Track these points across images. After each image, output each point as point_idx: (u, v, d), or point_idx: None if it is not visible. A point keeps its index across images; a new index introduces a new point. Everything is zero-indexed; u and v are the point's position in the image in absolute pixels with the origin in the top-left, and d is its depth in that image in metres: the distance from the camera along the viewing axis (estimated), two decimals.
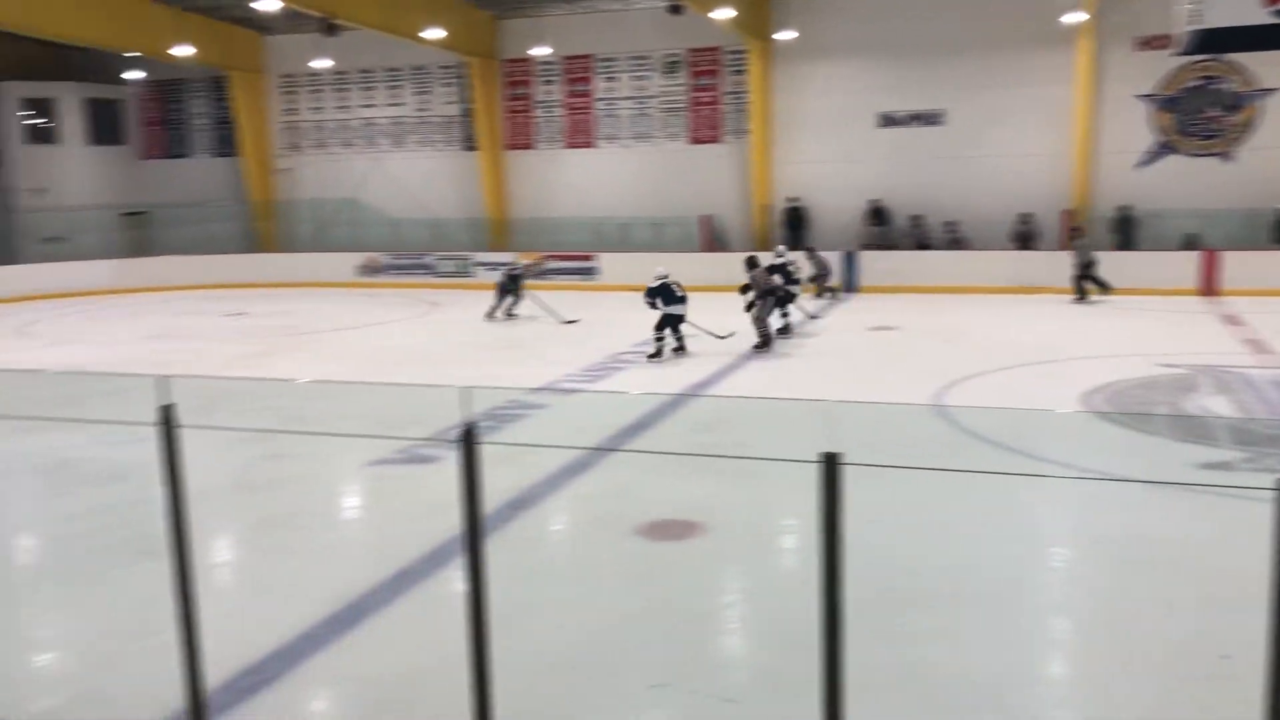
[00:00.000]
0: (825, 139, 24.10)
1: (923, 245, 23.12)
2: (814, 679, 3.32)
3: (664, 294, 14.60)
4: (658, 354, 14.64)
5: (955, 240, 23.04)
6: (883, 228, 23.56)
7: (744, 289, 15.46)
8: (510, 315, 19.20)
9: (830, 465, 3.19)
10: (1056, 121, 22.58)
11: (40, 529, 8.61)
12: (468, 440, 3.39)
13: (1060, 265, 20.67)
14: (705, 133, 25.00)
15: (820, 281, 20.51)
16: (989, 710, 5.01)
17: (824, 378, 13.47)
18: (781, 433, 10.00)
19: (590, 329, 17.57)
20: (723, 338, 15.36)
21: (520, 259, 21.16)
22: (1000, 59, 22.78)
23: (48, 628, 6.53)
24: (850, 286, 22.47)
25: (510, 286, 19.29)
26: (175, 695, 4.62)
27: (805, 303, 18.76)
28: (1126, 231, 22.23)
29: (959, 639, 5.82)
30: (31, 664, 5.97)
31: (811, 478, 3.20)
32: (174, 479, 3.68)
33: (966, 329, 16.58)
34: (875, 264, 22.56)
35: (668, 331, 14.70)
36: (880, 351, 15.46)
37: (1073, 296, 20.09)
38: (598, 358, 15.07)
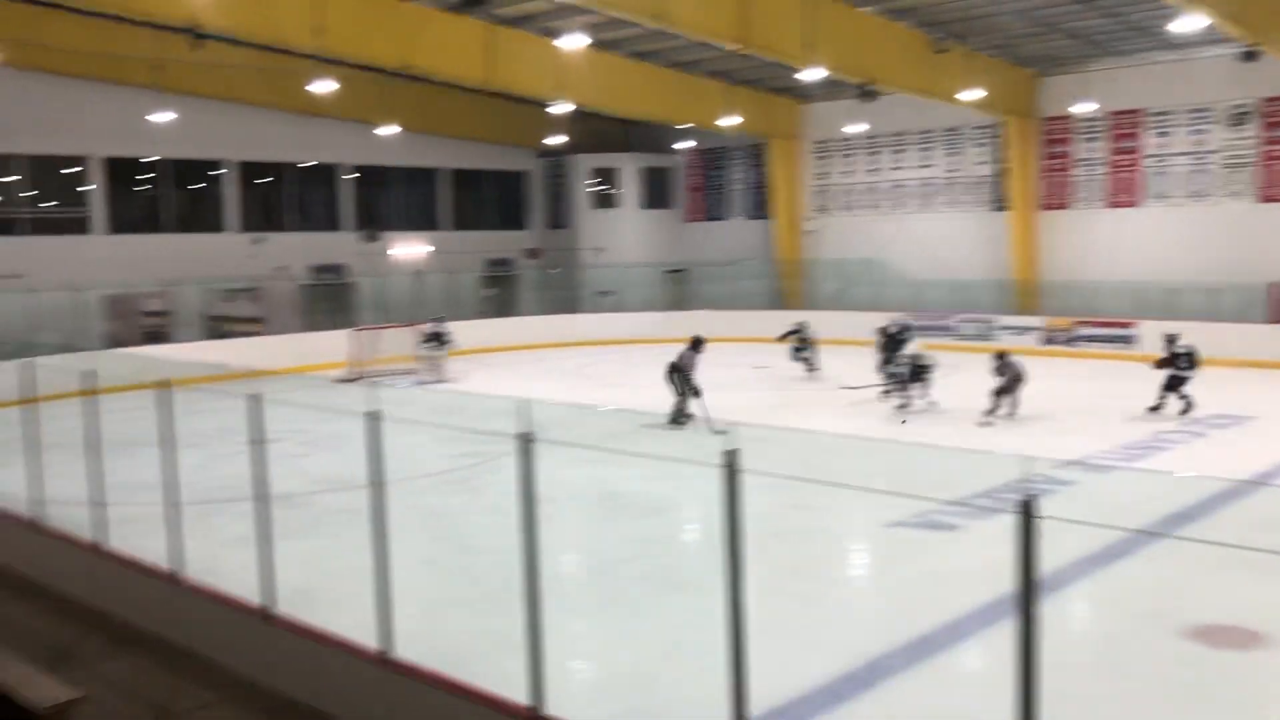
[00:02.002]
0: None
1: None
2: None
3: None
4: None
5: None
6: None
7: (673, 370, 15.04)
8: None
9: None
10: None
11: (590, 551, 9.56)
12: (1027, 513, 3.18)
13: None
14: (1278, 190, 22.11)
15: (1007, 391, 15.16)
16: None
17: None
18: None
19: (1126, 406, 16.01)
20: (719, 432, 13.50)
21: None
22: None
23: (597, 642, 7.20)
24: None
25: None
26: None
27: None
28: None
29: None
30: (584, 675, 6.59)
31: None
32: (734, 517, 3.87)
33: None
34: None
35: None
36: None
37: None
38: (1139, 434, 13.77)
